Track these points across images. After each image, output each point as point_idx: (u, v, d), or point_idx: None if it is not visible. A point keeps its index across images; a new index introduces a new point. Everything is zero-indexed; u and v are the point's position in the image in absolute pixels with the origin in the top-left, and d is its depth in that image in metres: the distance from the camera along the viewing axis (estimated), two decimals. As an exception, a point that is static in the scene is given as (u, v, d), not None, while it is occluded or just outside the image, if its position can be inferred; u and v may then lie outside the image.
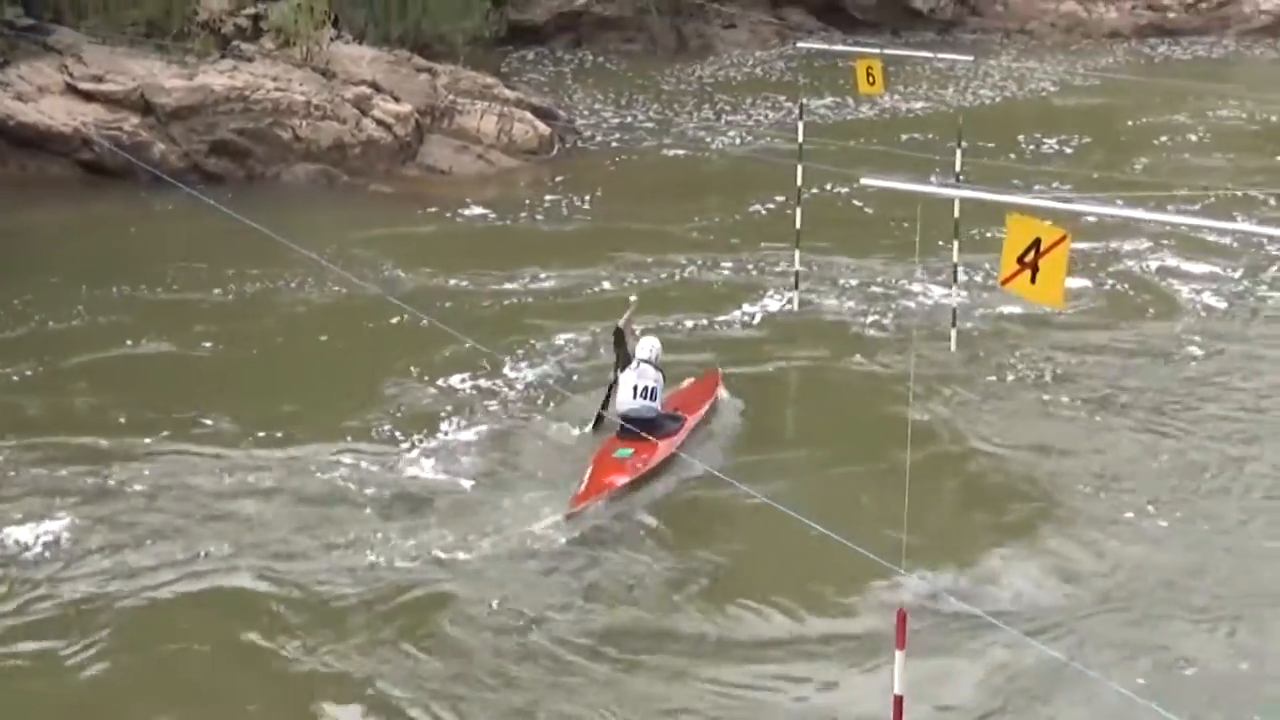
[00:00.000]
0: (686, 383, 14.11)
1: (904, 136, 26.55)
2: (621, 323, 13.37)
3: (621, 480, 12.12)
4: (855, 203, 21.24)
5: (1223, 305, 17.62)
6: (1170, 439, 13.60)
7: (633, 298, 14.61)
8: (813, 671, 9.75)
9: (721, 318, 16.77)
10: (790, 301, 16.81)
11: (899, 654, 6.99)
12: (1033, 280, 7.49)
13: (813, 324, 16.39)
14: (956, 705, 9.36)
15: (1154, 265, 18.96)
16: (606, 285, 17.99)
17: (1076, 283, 18.13)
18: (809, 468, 12.88)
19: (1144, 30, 40.89)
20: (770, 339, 16.16)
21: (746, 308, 17.11)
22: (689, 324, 16.48)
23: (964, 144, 16.87)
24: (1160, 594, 10.93)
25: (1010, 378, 15.09)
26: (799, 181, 16.80)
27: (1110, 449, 13.48)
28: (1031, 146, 26.47)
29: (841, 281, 18.07)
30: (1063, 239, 7.36)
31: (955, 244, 15.31)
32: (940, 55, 25.00)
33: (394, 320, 15.85)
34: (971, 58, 25.84)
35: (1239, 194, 22.68)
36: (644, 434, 12.32)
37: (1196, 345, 16.16)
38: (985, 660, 9.82)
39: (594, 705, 9.25)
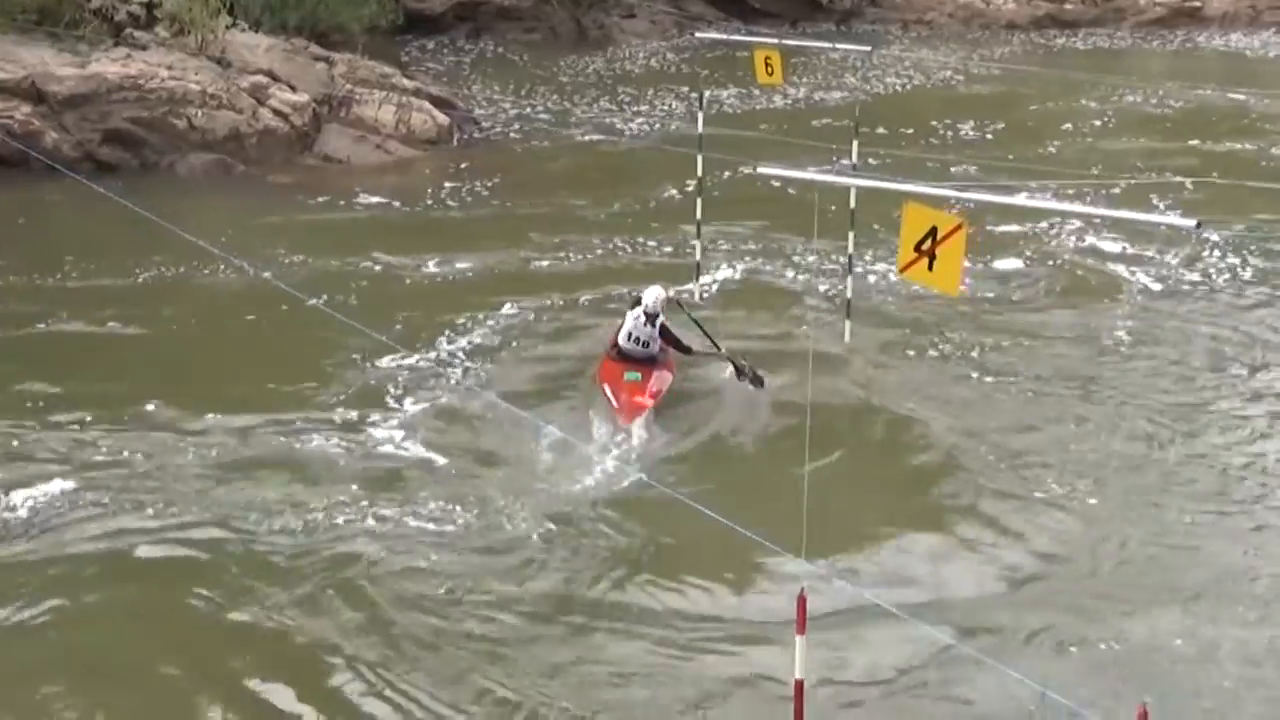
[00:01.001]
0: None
1: (806, 125, 26.67)
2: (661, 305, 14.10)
3: (647, 400, 13.61)
4: (757, 190, 21.32)
5: (1155, 286, 17.99)
6: (1091, 422, 13.76)
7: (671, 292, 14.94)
8: (716, 660, 9.77)
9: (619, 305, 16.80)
10: (691, 289, 16.74)
11: (799, 639, 7.06)
12: (930, 268, 7.49)
13: (713, 311, 16.31)
14: (856, 690, 9.44)
15: (1085, 246, 19.38)
16: (508, 268, 18.11)
17: (1007, 264, 18.63)
18: (717, 458, 12.94)
19: (1041, 22, 41.53)
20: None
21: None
22: (587, 304, 16.71)
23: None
24: (1067, 578, 11.02)
25: (924, 361, 15.31)
26: (699, 170, 16.81)
27: (1027, 432, 13.62)
28: (935, 135, 26.92)
29: (742, 268, 18.20)
30: (958, 227, 7.36)
31: (851, 234, 15.42)
32: (838, 45, 25.31)
33: (284, 307, 15.75)
34: (869, 48, 26.02)
35: (1154, 178, 23.27)
36: (643, 366, 13.89)
37: (1125, 327, 16.41)
38: (885, 646, 9.84)
39: (520, 673, 9.39)
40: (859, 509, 11.99)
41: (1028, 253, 19.06)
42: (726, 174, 21.41)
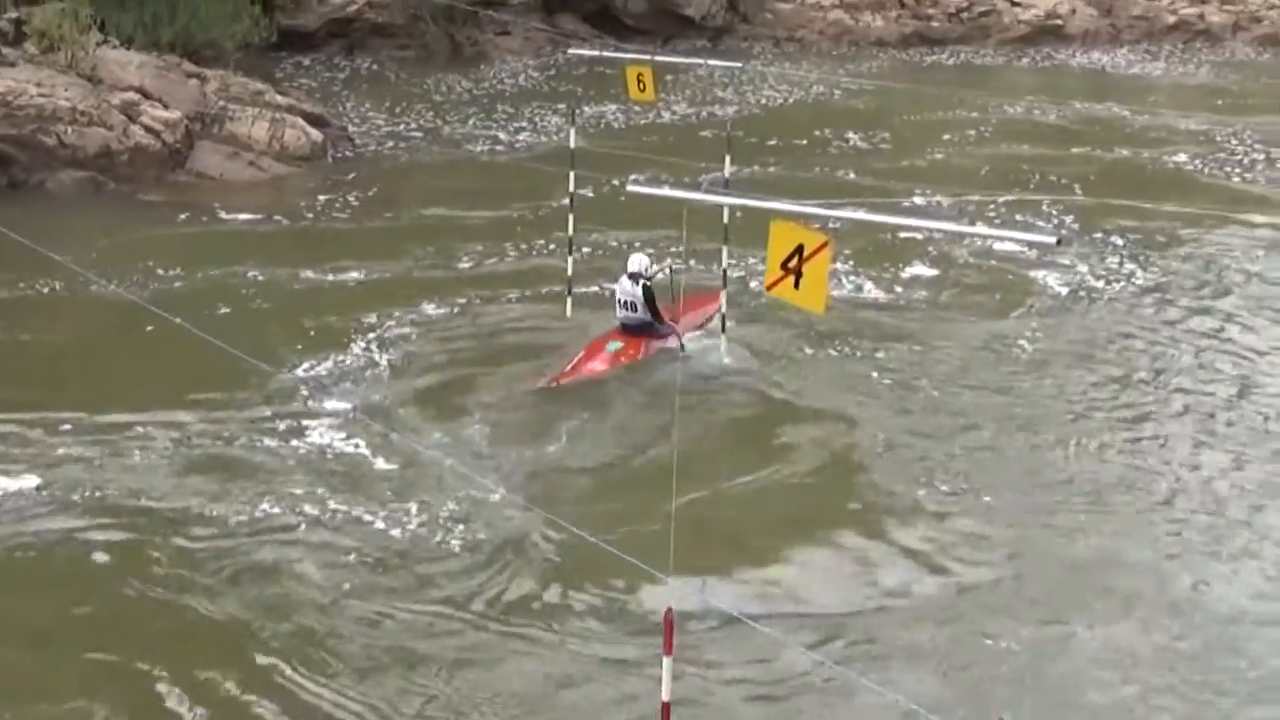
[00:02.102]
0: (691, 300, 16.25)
1: (682, 141, 27.07)
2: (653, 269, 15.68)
3: (600, 368, 14.99)
4: (634, 203, 21.52)
5: (1061, 290, 18.67)
6: (985, 429, 14.11)
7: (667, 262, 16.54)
8: (581, 680, 9.82)
9: (493, 319, 17.09)
10: (564, 306, 16.94)
11: (666, 660, 7.12)
12: (796, 285, 7.45)
13: (585, 326, 16.54)
14: (725, 713, 9.49)
15: (992, 250, 19.97)
16: (383, 281, 18.38)
17: (914, 269, 19.21)
18: (589, 470, 13.08)
19: (909, 39, 42.25)
20: (542, 343, 16.35)
21: (518, 310, 17.47)
22: (458, 313, 17.03)
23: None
24: (951, 591, 11.15)
25: (819, 367, 15.67)
26: (571, 187, 16.96)
27: (920, 439, 13.87)
28: (813, 149, 27.47)
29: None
30: (824, 245, 7.34)
31: (724, 249, 15.71)
32: (710, 62, 25.59)
33: (149, 328, 15.66)
34: (740, 64, 26.56)
35: (1028, 193, 24.19)
36: (633, 334, 15.30)
37: (1027, 332, 16.96)
38: (757, 666, 9.87)
39: (386, 697, 9.50)
40: (735, 520, 12.23)
41: (934, 256, 19.63)
42: (605, 188, 21.69)
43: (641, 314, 15.39)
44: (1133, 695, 9.77)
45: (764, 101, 32.92)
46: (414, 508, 12.06)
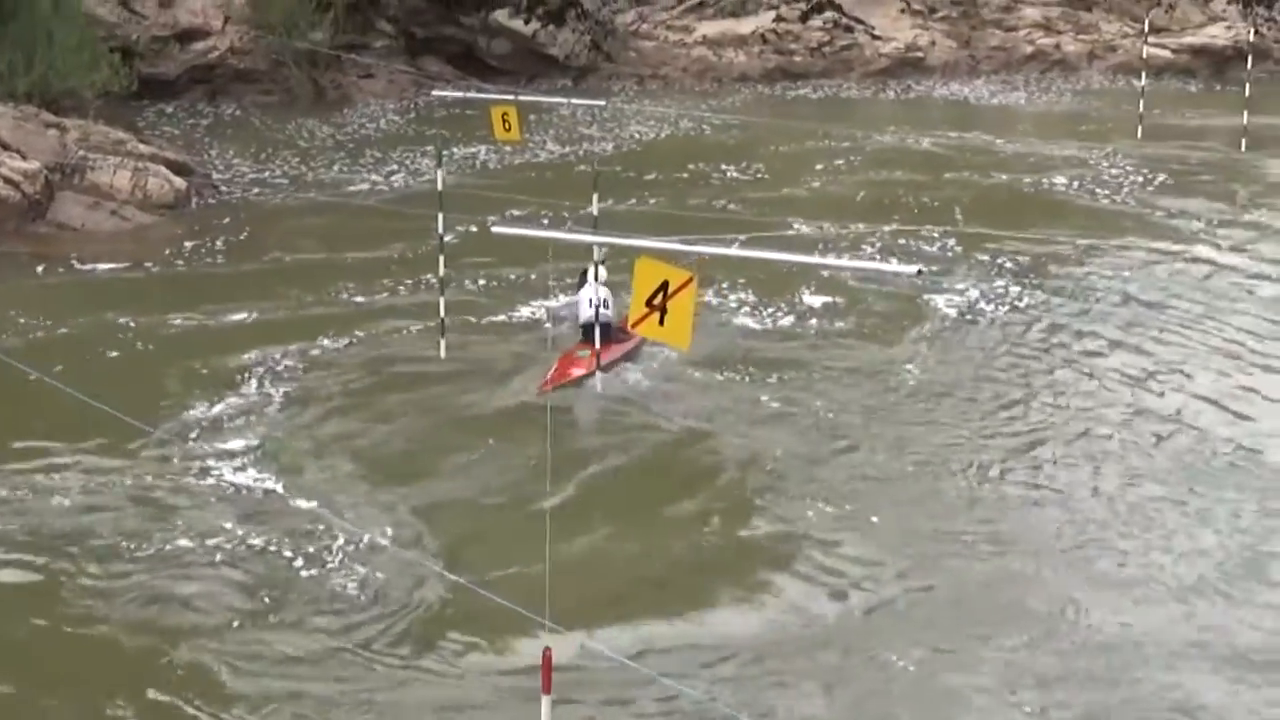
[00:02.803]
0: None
1: (548, 181, 27.44)
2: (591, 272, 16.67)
3: (579, 371, 15.89)
4: (498, 246, 21.70)
5: (951, 313, 19.18)
6: (877, 455, 14.39)
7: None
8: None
9: (369, 358, 17.26)
10: (436, 346, 17.03)
11: (545, 699, 7.17)
12: (661, 322, 7.57)
13: (458, 365, 16.80)
14: None
15: (884, 277, 20.41)
16: (258, 323, 18.52)
17: (810, 297, 19.57)
18: (460, 512, 13.20)
19: (772, 74, 42.88)
20: (416, 380, 16.53)
21: (393, 349, 17.63)
22: (330, 355, 17.10)
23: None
24: (844, 618, 11.28)
25: (707, 394, 15.97)
26: (440, 228, 17.10)
27: (810, 469, 14.09)
28: (683, 183, 27.90)
29: (487, 323, 18.69)
30: (689, 281, 7.47)
31: (595, 286, 15.93)
32: (573, 101, 26.10)
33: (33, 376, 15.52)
34: (603, 103, 26.95)
35: (916, 215, 25.00)
36: (601, 338, 15.77)
37: (918, 356, 17.41)
38: (635, 710, 9.89)
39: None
40: (621, 556, 12.37)
41: (826, 282, 20.03)
42: (475, 229, 21.90)
43: (609, 313, 16.25)
44: (1026, 716, 10.00)
45: (636, 136, 33.39)
46: (304, 545, 12.19)
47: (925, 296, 19.80)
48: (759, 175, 28.97)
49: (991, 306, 19.54)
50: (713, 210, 24.95)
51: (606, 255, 16.94)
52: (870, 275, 20.48)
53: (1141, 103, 33.18)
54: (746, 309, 19.20)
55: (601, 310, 16.09)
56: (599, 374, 15.67)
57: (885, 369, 17.04)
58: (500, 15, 40.19)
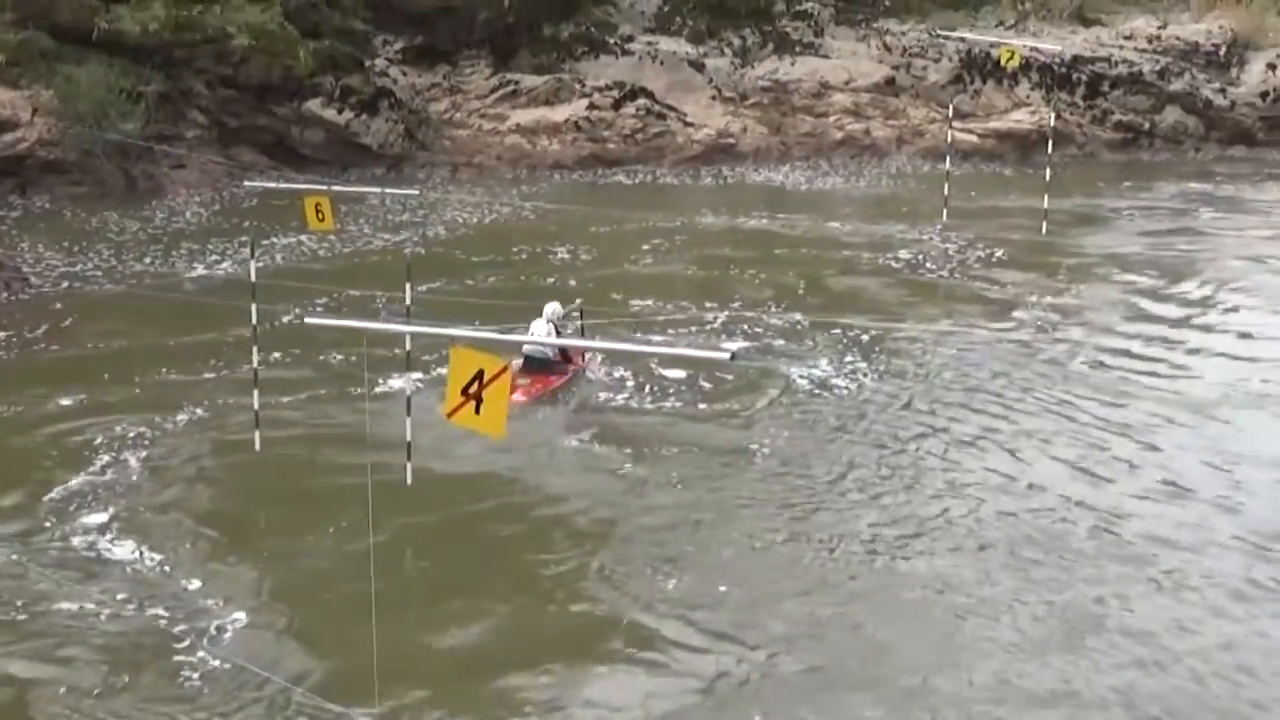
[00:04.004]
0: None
1: (362, 269, 28.07)
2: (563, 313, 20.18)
3: (521, 399, 18.63)
4: (313, 335, 22.18)
5: (805, 386, 20.60)
6: (731, 530, 15.36)
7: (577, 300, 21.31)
8: None
9: (176, 456, 17.81)
10: (253, 440, 17.40)
11: None
12: (477, 411, 7.80)
13: (273, 459, 17.34)
14: None
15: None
16: (58, 418, 19.00)
17: (668, 371, 20.72)
18: (298, 606, 13.69)
19: (586, 161, 43.98)
20: (231, 474, 17.22)
21: (210, 443, 18.18)
22: (147, 446, 17.80)
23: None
24: (688, 693, 12.08)
25: (549, 472, 16.98)
26: (253, 320, 17.39)
27: (654, 542, 15.03)
28: (496, 271, 28.78)
29: (304, 416, 19.31)
30: (504, 370, 7.79)
31: (408, 375, 16.74)
32: (387, 190, 26.77)
33: None
34: (416, 191, 27.73)
35: (757, 288, 26.94)
36: (539, 370, 19.52)
37: (770, 435, 18.49)
38: None
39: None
40: (455, 641, 13.06)
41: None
42: (286, 320, 22.53)
43: (548, 352, 19.77)
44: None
45: (461, 220, 34.40)
46: (160, 622, 13.07)
47: (777, 371, 21.12)
48: (587, 256, 30.25)
49: (842, 381, 20.92)
50: (540, 292, 25.84)
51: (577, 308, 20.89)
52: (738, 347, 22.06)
53: (947, 186, 34.89)
54: (603, 381, 20.47)
55: (537, 349, 19.54)
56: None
57: (737, 444, 18.19)
58: (313, 105, 41.00)
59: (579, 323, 21.57)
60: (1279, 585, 14.35)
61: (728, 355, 8.62)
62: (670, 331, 23.50)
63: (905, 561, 14.83)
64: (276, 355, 20.79)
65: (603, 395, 20.02)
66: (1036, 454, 18.05)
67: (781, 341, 23.10)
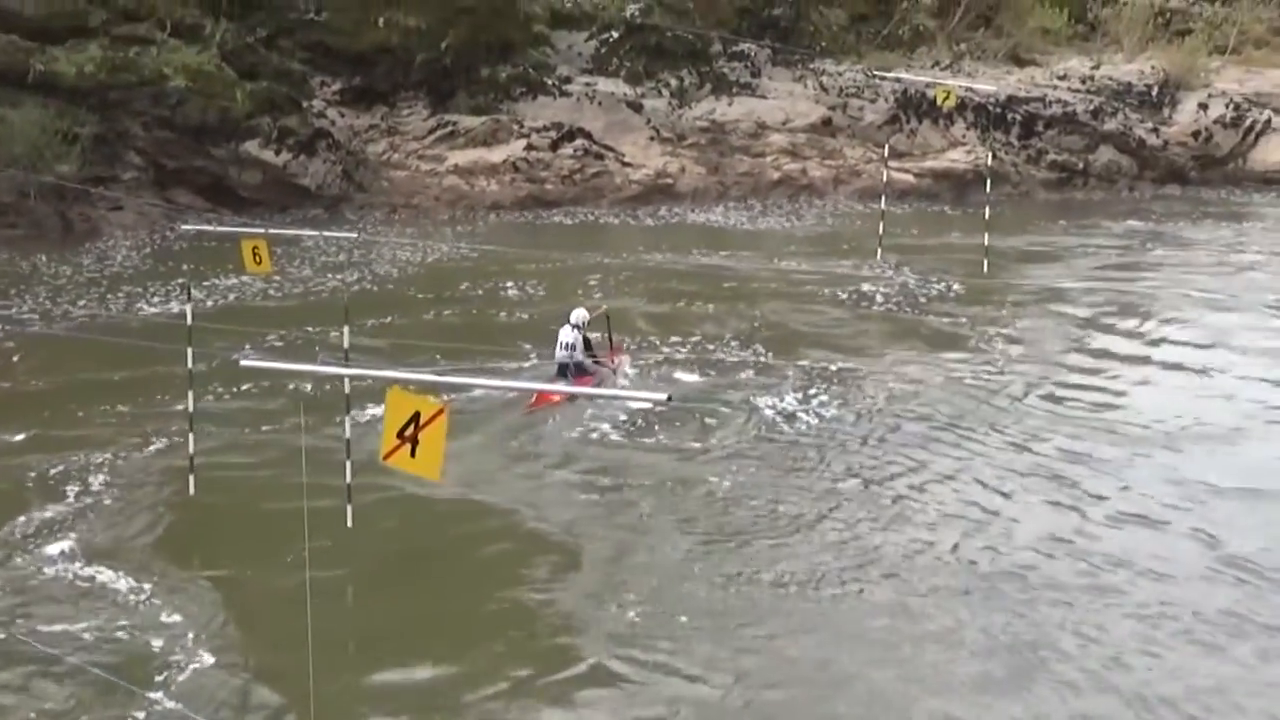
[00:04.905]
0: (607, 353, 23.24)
1: (301, 311, 28.20)
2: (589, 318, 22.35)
3: (556, 399, 20.67)
4: (250, 378, 22.39)
5: (772, 419, 21.12)
6: (690, 568, 15.74)
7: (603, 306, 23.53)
8: None
9: (112, 496, 18.06)
10: (188, 484, 17.55)
11: None
12: (413, 454, 7.82)
13: (210, 505, 17.56)
14: None
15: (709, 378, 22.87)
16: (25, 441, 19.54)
17: (643, 405, 21.02)
18: (217, 653, 13.87)
19: (524, 201, 44.41)
20: (168, 515, 17.43)
21: (143, 494, 18.25)
22: (77, 494, 17.99)
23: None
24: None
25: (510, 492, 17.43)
26: (189, 364, 17.52)
27: (615, 573, 15.51)
28: (432, 314, 29.05)
29: (241, 457, 19.53)
30: (440, 412, 7.75)
31: (347, 419, 17.03)
32: (325, 233, 26.91)
33: None
34: (355, 234, 27.91)
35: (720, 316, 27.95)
36: (568, 375, 21.62)
37: (733, 469, 18.96)
38: None
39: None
40: (392, 678, 13.34)
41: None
42: (221, 362, 22.66)
43: (576, 355, 21.82)
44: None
45: (405, 258, 34.77)
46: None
47: (736, 411, 21.64)
48: (536, 292, 30.77)
49: (807, 416, 21.50)
50: (493, 329, 26.70)
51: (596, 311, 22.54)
52: (704, 376, 23.13)
53: (882, 225, 35.58)
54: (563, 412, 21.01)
55: (565, 354, 21.75)
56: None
57: (700, 476, 18.67)
58: (251, 146, 41.34)
59: (605, 330, 23.57)
60: (1250, 614, 14.93)
61: (664, 397, 8.69)
62: (641, 362, 24.17)
63: (870, 593, 15.30)
64: (212, 397, 21.06)
65: (574, 427, 20.50)
66: (999, 486, 18.64)
67: (749, 374, 23.76)
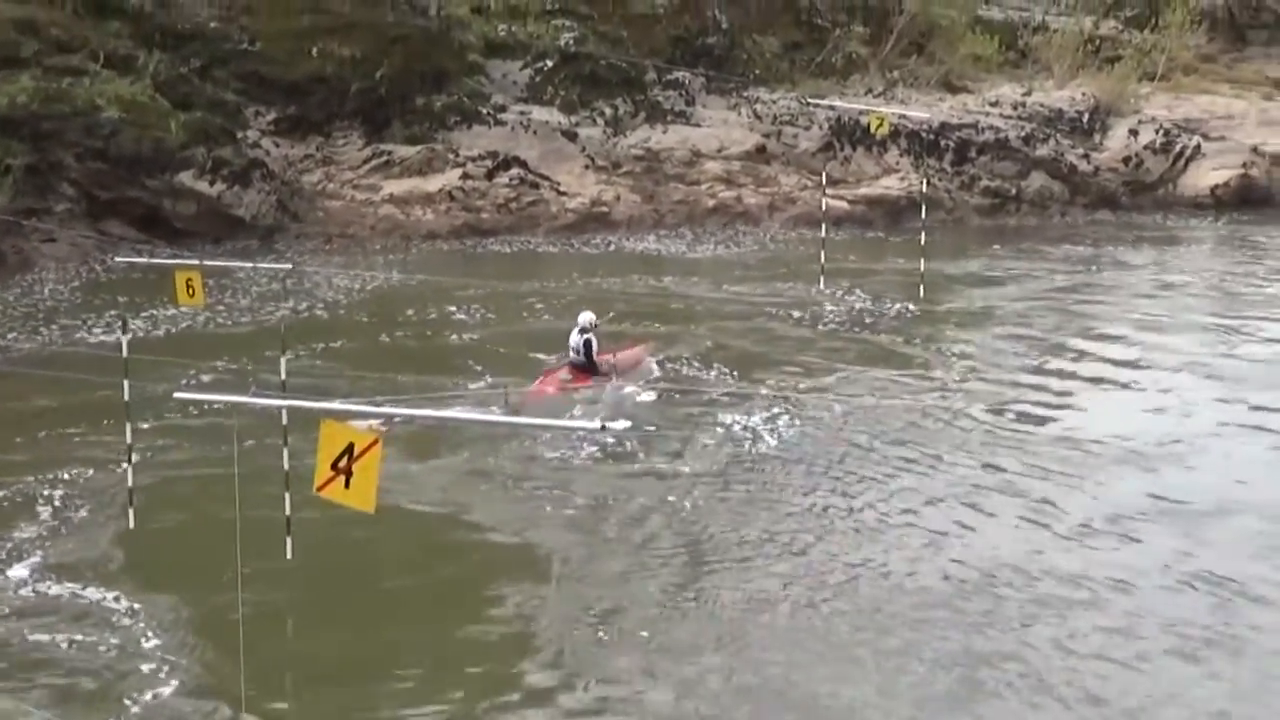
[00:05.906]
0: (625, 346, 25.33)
1: (236, 342, 28.35)
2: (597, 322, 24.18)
3: (551, 390, 22.81)
4: (187, 410, 22.34)
5: (744, 438, 21.70)
6: (648, 588, 16.09)
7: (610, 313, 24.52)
8: None
9: (48, 529, 18.28)
10: (127, 516, 17.82)
11: None
12: (346, 485, 7.94)
13: (148, 548, 17.68)
14: None
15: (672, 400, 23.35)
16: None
17: (616, 425, 20.99)
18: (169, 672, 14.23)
19: (460, 230, 44.49)
20: (108, 548, 17.63)
21: (82, 513, 18.67)
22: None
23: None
24: None
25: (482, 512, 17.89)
26: (126, 397, 17.68)
27: (582, 587, 15.89)
28: (385, 338, 29.51)
29: (179, 494, 19.69)
30: (375, 443, 7.90)
31: (285, 450, 17.25)
32: (259, 265, 27.04)
33: None
34: (290, 265, 27.99)
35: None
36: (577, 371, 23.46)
37: (696, 492, 19.36)
38: None
39: None
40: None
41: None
42: (158, 395, 22.77)
43: (581, 358, 23.36)
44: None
45: (346, 285, 35.00)
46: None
47: (722, 416, 22.41)
48: (482, 316, 31.21)
49: (768, 437, 22.00)
50: (441, 352, 27.09)
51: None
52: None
53: (822, 253, 36.11)
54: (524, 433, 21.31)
55: (574, 357, 23.37)
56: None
57: (662, 497, 19.10)
58: (185, 177, 41.39)
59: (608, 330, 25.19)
60: (1216, 625, 15.43)
61: (598, 426, 8.86)
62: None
63: (833, 612, 15.71)
64: (148, 427, 21.18)
65: (542, 447, 20.90)
66: (958, 502, 19.20)
67: (712, 395, 24.31)
